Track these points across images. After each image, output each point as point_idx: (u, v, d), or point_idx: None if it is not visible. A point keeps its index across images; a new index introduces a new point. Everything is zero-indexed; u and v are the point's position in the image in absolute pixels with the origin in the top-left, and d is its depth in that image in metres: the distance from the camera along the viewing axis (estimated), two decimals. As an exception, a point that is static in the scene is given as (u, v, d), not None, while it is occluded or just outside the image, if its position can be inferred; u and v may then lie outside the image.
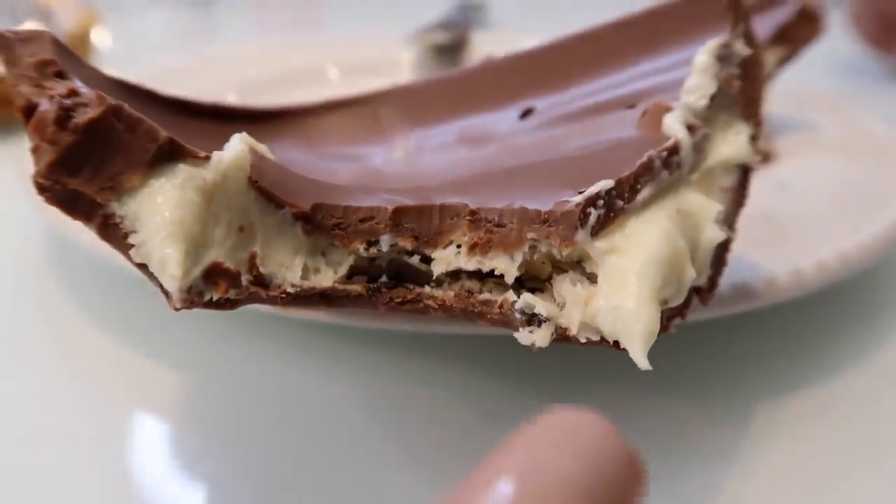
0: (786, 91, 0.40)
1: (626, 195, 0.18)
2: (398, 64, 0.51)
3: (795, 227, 0.30)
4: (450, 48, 0.53)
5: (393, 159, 0.26)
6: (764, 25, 0.37)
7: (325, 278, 0.19)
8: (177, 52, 0.67)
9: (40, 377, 0.26)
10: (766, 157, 0.37)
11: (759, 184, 0.34)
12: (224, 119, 0.27)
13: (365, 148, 0.28)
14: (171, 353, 0.26)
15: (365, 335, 0.27)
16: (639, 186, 0.18)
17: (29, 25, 0.53)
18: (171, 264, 0.15)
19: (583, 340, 0.17)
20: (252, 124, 0.27)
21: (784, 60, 0.37)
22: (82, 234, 0.27)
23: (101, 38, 0.56)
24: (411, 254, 0.19)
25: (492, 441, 0.22)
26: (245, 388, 0.25)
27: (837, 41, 0.58)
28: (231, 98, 0.45)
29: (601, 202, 0.17)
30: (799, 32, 0.36)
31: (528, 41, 0.52)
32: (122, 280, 0.30)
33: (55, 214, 0.28)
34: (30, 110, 0.15)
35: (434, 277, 0.19)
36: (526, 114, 0.26)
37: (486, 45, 0.54)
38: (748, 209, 0.22)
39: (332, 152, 0.28)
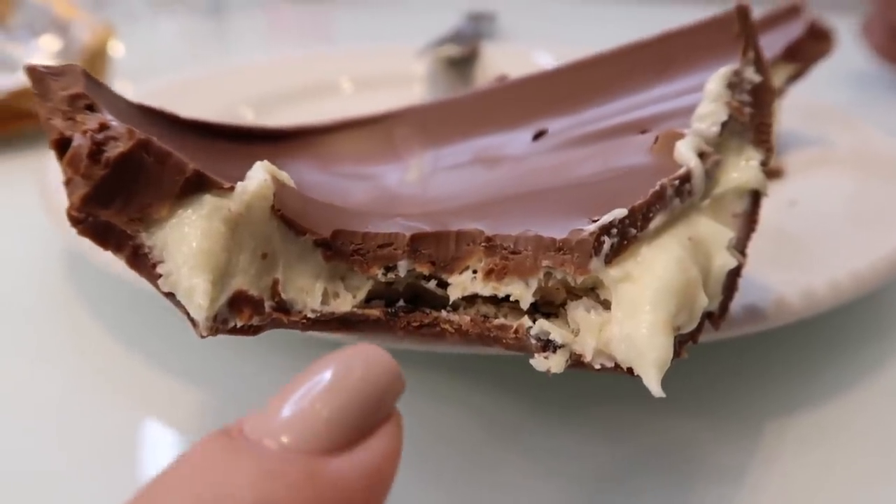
0: (795, 106, 0.40)
1: (638, 223, 0.18)
2: (411, 77, 0.52)
3: (806, 244, 0.30)
4: (461, 61, 0.53)
5: (406, 181, 0.27)
6: (774, 42, 0.37)
7: (345, 303, 0.19)
8: (189, 60, 0.68)
9: (55, 387, 0.26)
10: (776, 174, 0.37)
11: (769, 201, 0.33)
12: (242, 140, 0.27)
13: (378, 167, 0.28)
14: (185, 364, 0.27)
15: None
16: (651, 215, 0.18)
17: (46, 39, 0.54)
18: (198, 294, 0.16)
19: (597, 367, 0.18)
20: (268, 145, 0.28)
21: (794, 77, 0.37)
22: (96, 250, 0.28)
23: (114, 49, 0.57)
24: (428, 279, 0.20)
25: (501, 457, 0.23)
26: (258, 401, 0.25)
27: (848, 53, 0.58)
28: (246, 112, 0.45)
29: (615, 230, 0.18)
30: (809, 49, 0.37)
31: (538, 53, 0.53)
32: (137, 293, 0.31)
33: (70, 229, 0.29)
34: (62, 144, 0.16)
35: (450, 302, 0.20)
36: (539, 135, 0.26)
37: (497, 58, 0.54)
38: (758, 226, 0.23)
39: (345, 171, 0.28)
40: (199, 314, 0.16)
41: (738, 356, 0.28)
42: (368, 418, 0.12)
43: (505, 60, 0.51)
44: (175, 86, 0.45)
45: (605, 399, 0.26)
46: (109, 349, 0.28)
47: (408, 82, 0.51)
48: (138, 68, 0.60)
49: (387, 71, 0.51)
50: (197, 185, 0.16)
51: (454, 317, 0.19)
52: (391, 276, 0.19)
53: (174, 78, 0.47)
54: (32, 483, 0.22)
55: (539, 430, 0.24)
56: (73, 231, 0.29)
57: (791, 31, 0.37)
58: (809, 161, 0.38)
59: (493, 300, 0.19)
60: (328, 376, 0.12)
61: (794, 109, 0.40)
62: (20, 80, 0.46)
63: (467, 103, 0.30)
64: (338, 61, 0.53)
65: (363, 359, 0.13)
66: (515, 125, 0.28)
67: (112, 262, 0.27)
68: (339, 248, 0.19)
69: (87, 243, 0.28)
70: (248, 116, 0.45)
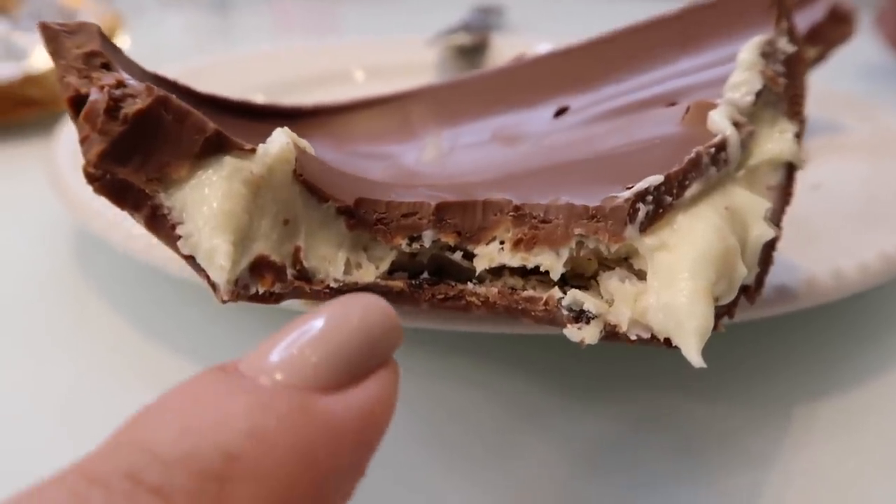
0: (811, 93, 0.40)
1: (674, 191, 0.17)
2: (422, 66, 0.51)
3: (832, 227, 0.29)
4: (472, 50, 0.53)
5: (424, 160, 0.26)
6: (794, 26, 0.36)
7: (367, 273, 0.18)
8: (195, 54, 0.67)
9: (65, 368, 0.26)
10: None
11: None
12: (255, 117, 0.26)
13: (395, 147, 0.28)
14: (194, 344, 0.26)
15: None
16: (687, 182, 0.18)
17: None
18: (219, 255, 0.15)
19: (633, 338, 0.17)
20: (283, 123, 0.27)
21: (815, 61, 0.37)
22: (109, 231, 0.27)
23: (121, 41, 0.56)
24: (454, 250, 0.19)
25: (521, 440, 0.22)
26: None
27: (861, 44, 0.58)
28: (258, 100, 0.45)
29: (650, 198, 0.17)
30: (830, 33, 0.36)
31: (545, 45, 0.52)
32: (145, 277, 0.30)
33: (82, 212, 0.28)
34: (77, 101, 0.15)
35: (476, 274, 0.19)
36: (560, 112, 0.26)
37: (507, 48, 0.54)
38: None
39: (361, 151, 0.27)
40: (220, 276, 0.15)
41: (766, 341, 0.27)
42: (362, 363, 0.12)
43: (513, 51, 0.51)
44: (185, 73, 0.44)
45: (627, 383, 0.25)
46: (118, 330, 0.27)
47: (418, 71, 0.50)
48: (144, 62, 0.59)
49: (398, 60, 0.50)
50: (217, 146, 0.16)
51: (481, 289, 0.19)
52: (415, 246, 0.19)
53: (184, 65, 0.47)
54: (40, 462, 0.21)
55: (560, 413, 0.24)
56: (84, 213, 0.28)
57: (812, 14, 0.36)
58: (830, 146, 0.37)
59: (521, 272, 0.19)
60: (324, 320, 0.12)
61: (810, 96, 0.40)
62: (27, 68, 0.45)
63: (486, 81, 0.29)
64: (349, 51, 0.52)
65: (360, 306, 0.13)
66: (534, 103, 0.27)
67: (124, 241, 0.26)
68: (363, 217, 0.18)
69: (98, 223, 0.28)
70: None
